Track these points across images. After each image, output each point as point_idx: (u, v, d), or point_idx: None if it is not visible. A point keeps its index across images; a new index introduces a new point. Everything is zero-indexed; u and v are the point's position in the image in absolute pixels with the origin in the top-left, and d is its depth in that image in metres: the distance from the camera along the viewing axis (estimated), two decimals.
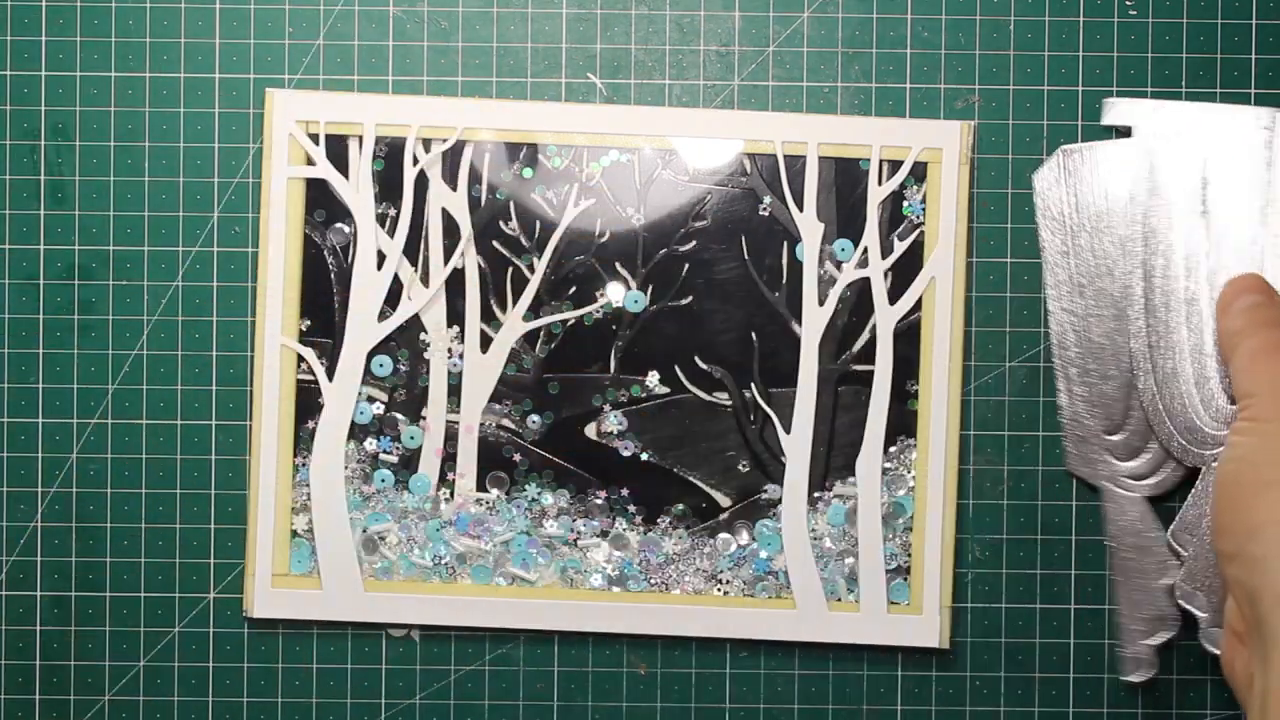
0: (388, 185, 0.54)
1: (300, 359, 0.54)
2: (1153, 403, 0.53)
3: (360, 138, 0.54)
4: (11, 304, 0.55)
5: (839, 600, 0.54)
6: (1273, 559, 0.42)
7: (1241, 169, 0.53)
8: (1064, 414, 0.54)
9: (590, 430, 0.55)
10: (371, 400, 0.55)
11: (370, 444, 0.55)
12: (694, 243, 0.54)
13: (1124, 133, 0.54)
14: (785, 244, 0.54)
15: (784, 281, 0.54)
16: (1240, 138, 0.53)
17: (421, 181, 0.54)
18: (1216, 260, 0.53)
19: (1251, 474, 0.44)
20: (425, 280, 0.54)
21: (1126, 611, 0.54)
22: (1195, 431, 0.53)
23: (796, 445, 0.54)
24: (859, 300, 0.54)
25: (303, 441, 0.55)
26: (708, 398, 0.55)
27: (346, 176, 0.54)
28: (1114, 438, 0.54)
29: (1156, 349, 0.53)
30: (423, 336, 0.55)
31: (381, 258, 0.54)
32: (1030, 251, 0.55)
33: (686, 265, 0.54)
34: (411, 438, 0.55)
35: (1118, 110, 0.54)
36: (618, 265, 0.54)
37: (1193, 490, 0.53)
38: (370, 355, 0.55)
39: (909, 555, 0.54)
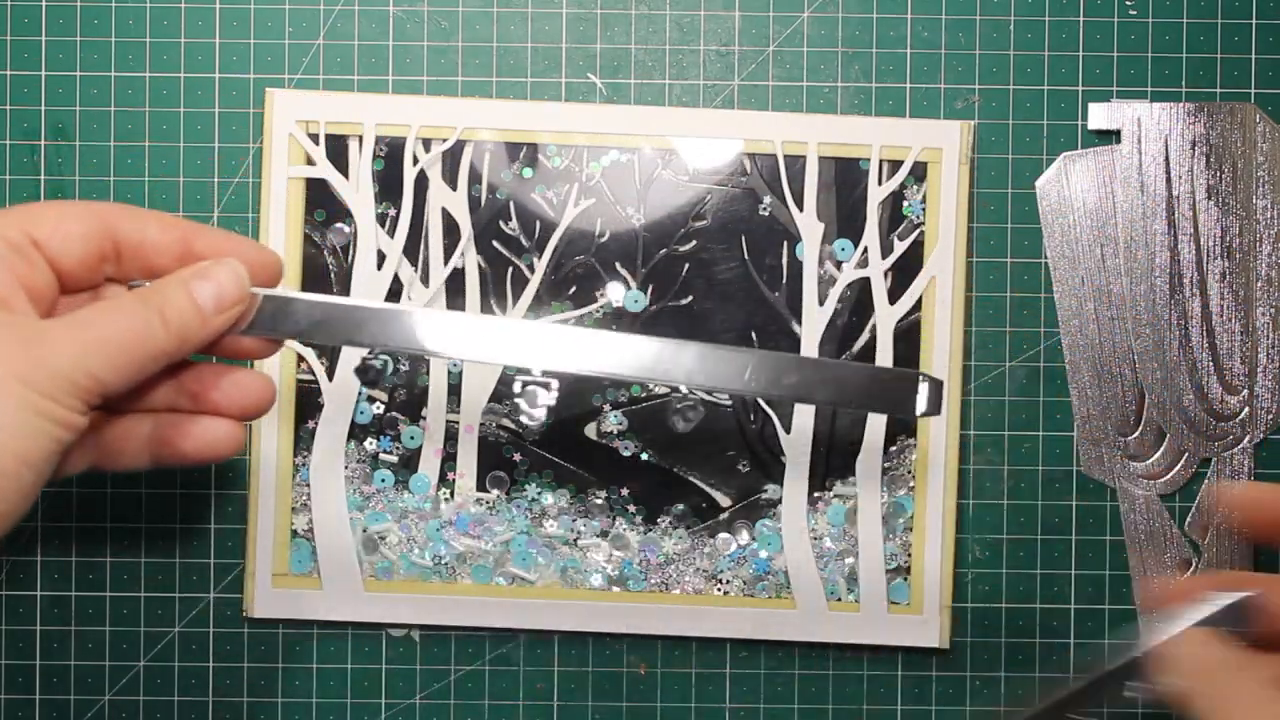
0: (388, 185, 0.54)
1: (300, 359, 0.54)
2: (1159, 400, 0.54)
3: (360, 137, 0.54)
4: None
5: (839, 600, 0.54)
6: None
7: (1232, 166, 0.53)
8: (1077, 417, 0.54)
9: (590, 430, 0.55)
10: (371, 400, 0.55)
11: (370, 444, 0.55)
12: (694, 243, 0.54)
13: (1116, 136, 0.54)
14: (785, 244, 0.54)
15: (784, 281, 0.54)
16: (1229, 135, 0.53)
17: (421, 181, 0.54)
18: (1213, 258, 0.53)
19: None
20: (425, 280, 0.54)
21: (1146, 609, 0.54)
22: (1200, 424, 0.53)
23: (796, 445, 0.54)
24: (859, 300, 0.54)
25: (303, 441, 0.55)
26: (708, 398, 0.54)
27: (346, 176, 0.54)
28: (1128, 438, 0.54)
29: (1161, 347, 0.54)
30: None
31: (381, 258, 0.54)
32: (1030, 251, 0.55)
33: (686, 265, 0.54)
34: (411, 438, 0.55)
35: (1104, 114, 0.54)
36: (618, 265, 0.54)
37: (1205, 480, 0.54)
38: (370, 355, 0.55)
39: (909, 555, 0.54)
